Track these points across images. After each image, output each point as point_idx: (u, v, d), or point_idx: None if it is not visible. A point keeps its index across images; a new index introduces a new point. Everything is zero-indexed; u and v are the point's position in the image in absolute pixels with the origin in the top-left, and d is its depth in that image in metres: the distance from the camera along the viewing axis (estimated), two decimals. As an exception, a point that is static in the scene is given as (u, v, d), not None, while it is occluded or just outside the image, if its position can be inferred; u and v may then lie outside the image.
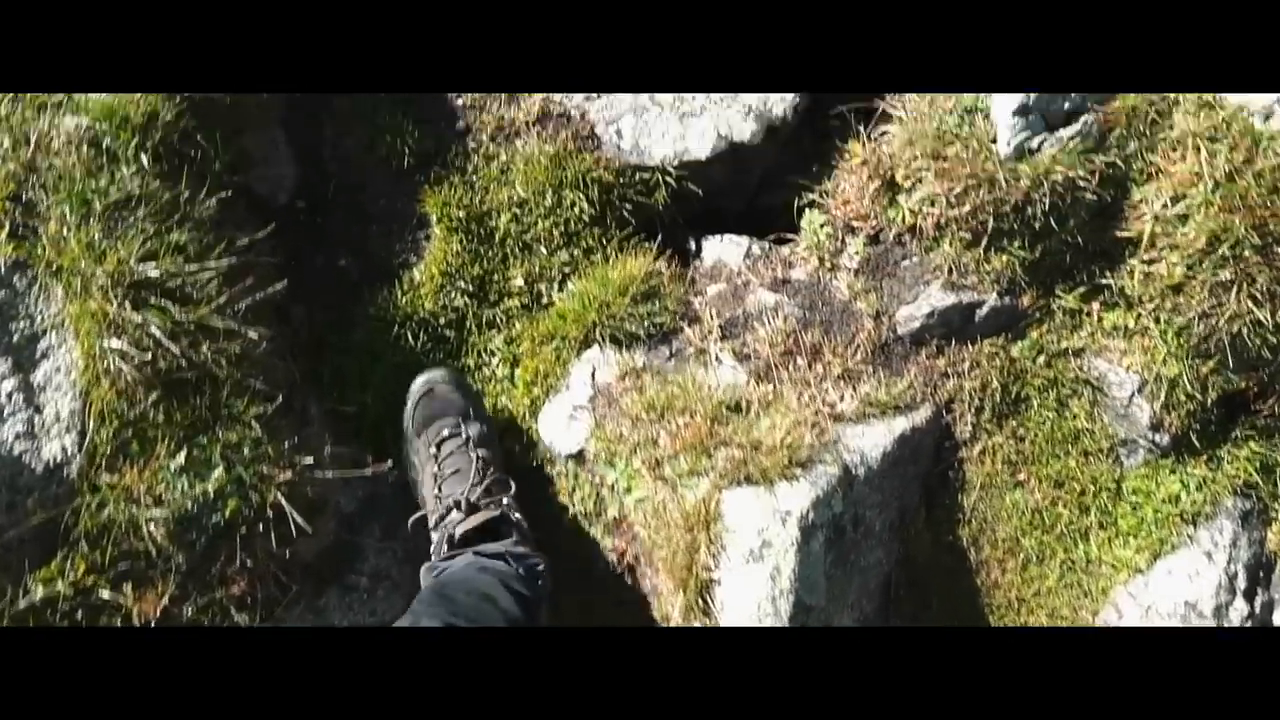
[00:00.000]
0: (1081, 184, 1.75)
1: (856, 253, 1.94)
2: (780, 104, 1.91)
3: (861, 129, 1.93)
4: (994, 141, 1.79)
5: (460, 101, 1.99)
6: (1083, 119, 1.75)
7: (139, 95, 1.72)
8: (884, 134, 1.92)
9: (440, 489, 1.71)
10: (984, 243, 1.84)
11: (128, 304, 1.59)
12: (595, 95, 1.97)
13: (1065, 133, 1.75)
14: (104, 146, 1.68)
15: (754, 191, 2.11)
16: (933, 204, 1.84)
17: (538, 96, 1.97)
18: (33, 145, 1.65)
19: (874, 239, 1.94)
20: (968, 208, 1.80)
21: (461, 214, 1.91)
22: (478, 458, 1.72)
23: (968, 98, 1.82)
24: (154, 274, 1.60)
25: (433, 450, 1.75)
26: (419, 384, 1.80)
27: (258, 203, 1.91)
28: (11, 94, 1.74)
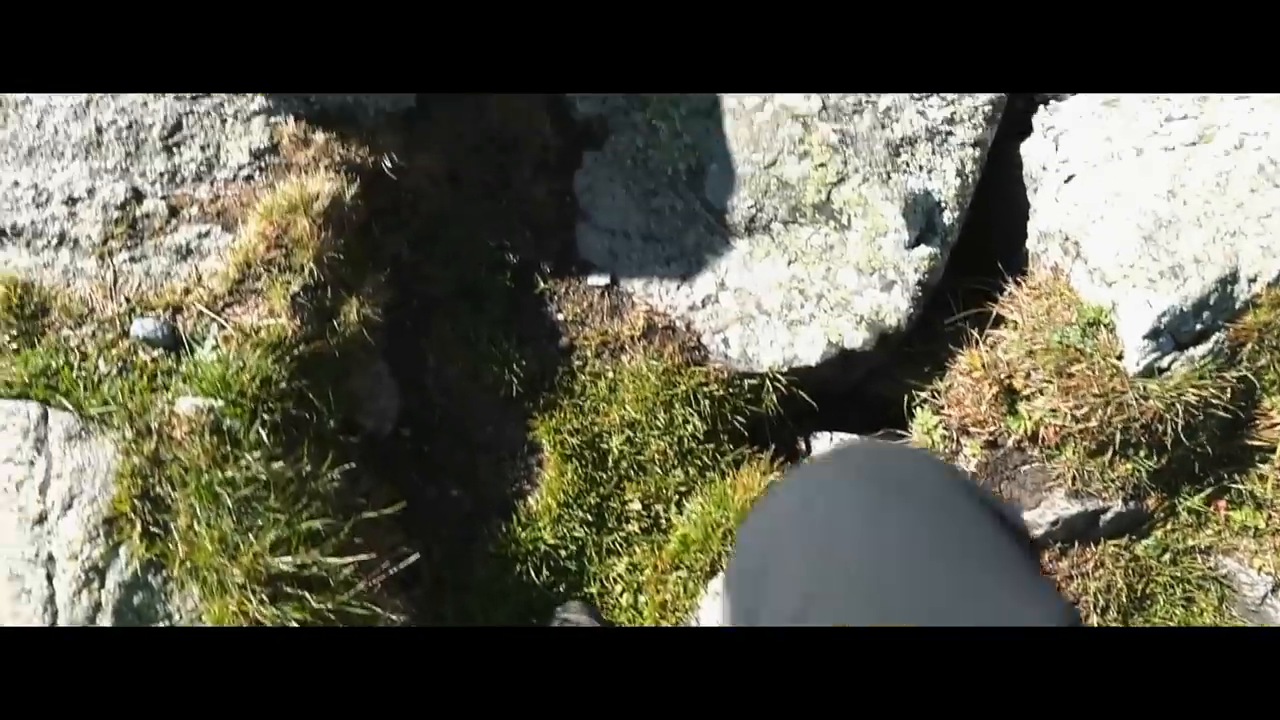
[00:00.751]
0: (1214, 402, 1.72)
1: (973, 455, 1.92)
2: (894, 314, 1.87)
3: (976, 334, 1.90)
4: (1120, 358, 1.76)
5: (561, 316, 1.95)
6: (1214, 337, 1.72)
7: (252, 362, 1.68)
8: (999, 339, 1.89)
9: None
10: (1109, 453, 1.81)
11: (265, 597, 1.57)
12: (700, 305, 1.93)
13: (1196, 351, 1.73)
14: (225, 429, 1.64)
15: (859, 380, 2.08)
16: (1055, 414, 1.81)
17: (641, 309, 1.93)
18: (155, 437, 1.61)
19: (992, 443, 1.91)
20: (1094, 423, 1.78)
21: (574, 440, 1.88)
22: None
23: (1089, 311, 1.79)
24: (288, 567, 1.57)
25: None
26: (556, 619, 1.81)
27: (366, 438, 1.87)
28: (120, 368, 1.71)
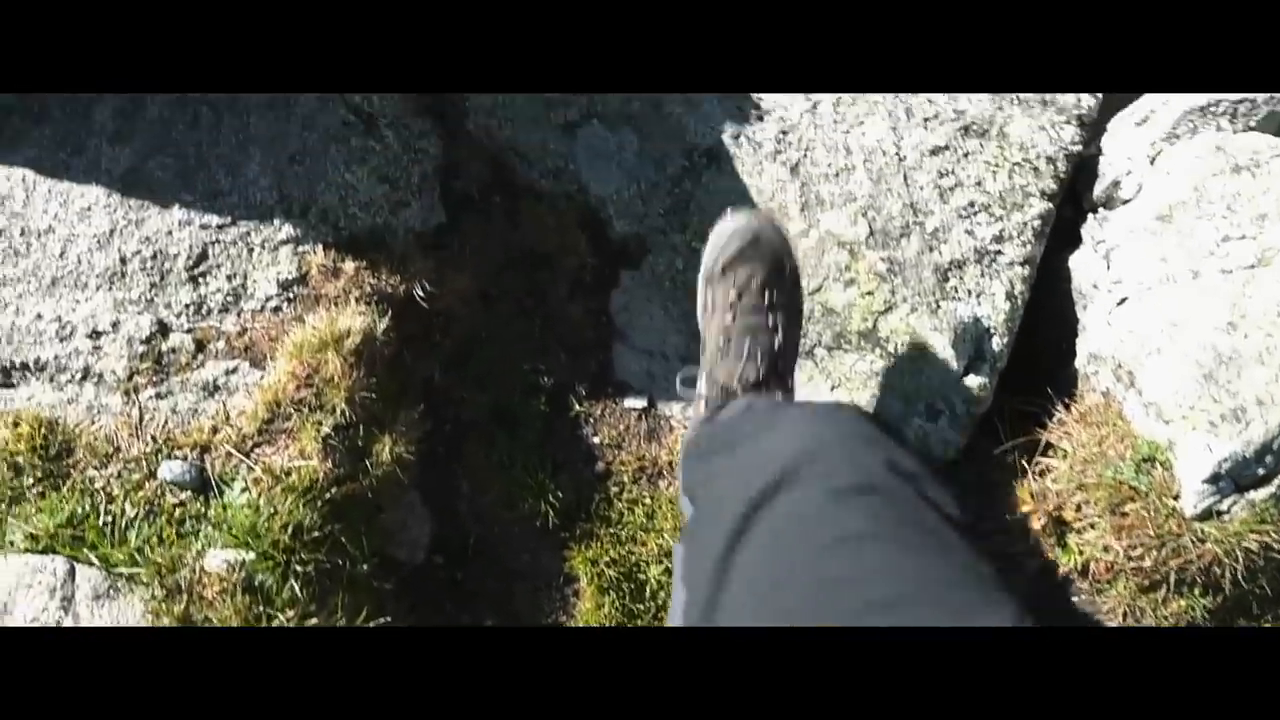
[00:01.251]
0: (1275, 546, 1.67)
1: (1018, 584, 1.87)
2: (940, 444, 1.82)
3: (1026, 464, 1.85)
4: (1177, 498, 1.70)
5: (597, 439, 1.90)
6: (1276, 480, 1.67)
7: (283, 508, 1.63)
8: (1049, 468, 1.84)
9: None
10: (1163, 590, 1.76)
11: (300, 764, 1.52)
12: (739, 429, 1.88)
13: (1257, 495, 1.67)
14: (256, 586, 1.59)
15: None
16: (1106, 551, 1.76)
17: (679, 433, 1.88)
18: (185, 596, 1.57)
19: (1038, 575, 1.86)
20: (1148, 563, 1.73)
21: (612, 572, 1.83)
22: None
23: (1144, 446, 1.73)
24: (326, 732, 1.53)
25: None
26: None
27: (400, 579, 1.82)
28: (147, 511, 1.66)
